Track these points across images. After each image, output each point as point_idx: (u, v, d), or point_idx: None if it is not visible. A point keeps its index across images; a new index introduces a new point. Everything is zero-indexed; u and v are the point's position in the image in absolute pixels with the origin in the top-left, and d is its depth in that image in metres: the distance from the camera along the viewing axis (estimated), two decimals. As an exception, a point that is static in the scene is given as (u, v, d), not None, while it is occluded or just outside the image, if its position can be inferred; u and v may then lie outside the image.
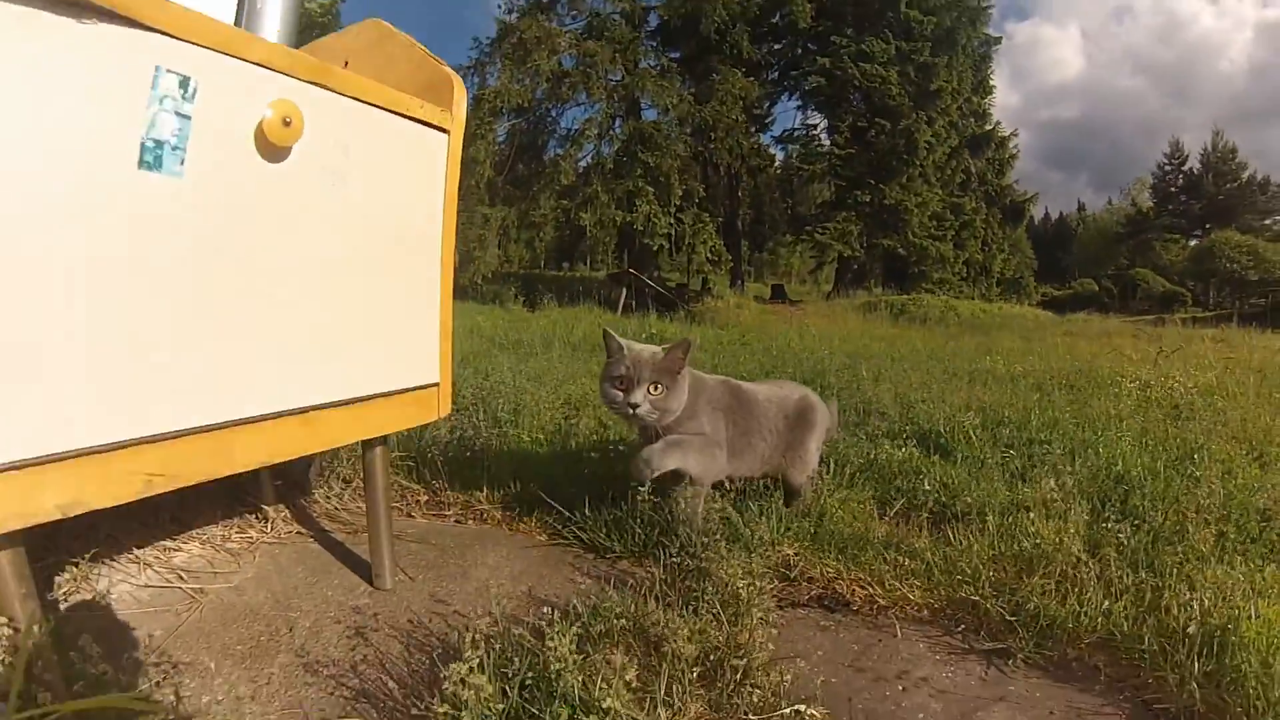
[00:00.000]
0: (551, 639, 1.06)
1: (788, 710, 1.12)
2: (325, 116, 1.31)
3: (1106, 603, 1.44)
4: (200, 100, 1.10)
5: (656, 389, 1.80)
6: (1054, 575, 1.55)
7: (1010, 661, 1.37)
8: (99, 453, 1.03)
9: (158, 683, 1.14)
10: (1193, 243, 38.17)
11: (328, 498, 2.17)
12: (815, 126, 24.74)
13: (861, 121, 22.38)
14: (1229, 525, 1.84)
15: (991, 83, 26.25)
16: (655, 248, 20.57)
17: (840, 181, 22.79)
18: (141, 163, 1.04)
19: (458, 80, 1.65)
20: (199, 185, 1.12)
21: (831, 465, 2.35)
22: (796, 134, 24.94)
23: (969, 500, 2.06)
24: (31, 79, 0.92)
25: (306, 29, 1.92)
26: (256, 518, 1.99)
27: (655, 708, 1.06)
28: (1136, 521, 1.86)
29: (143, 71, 1.03)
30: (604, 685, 1.01)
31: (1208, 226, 37.78)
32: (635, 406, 1.77)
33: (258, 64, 1.18)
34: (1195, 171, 40.69)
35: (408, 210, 1.59)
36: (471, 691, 0.94)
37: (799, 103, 24.87)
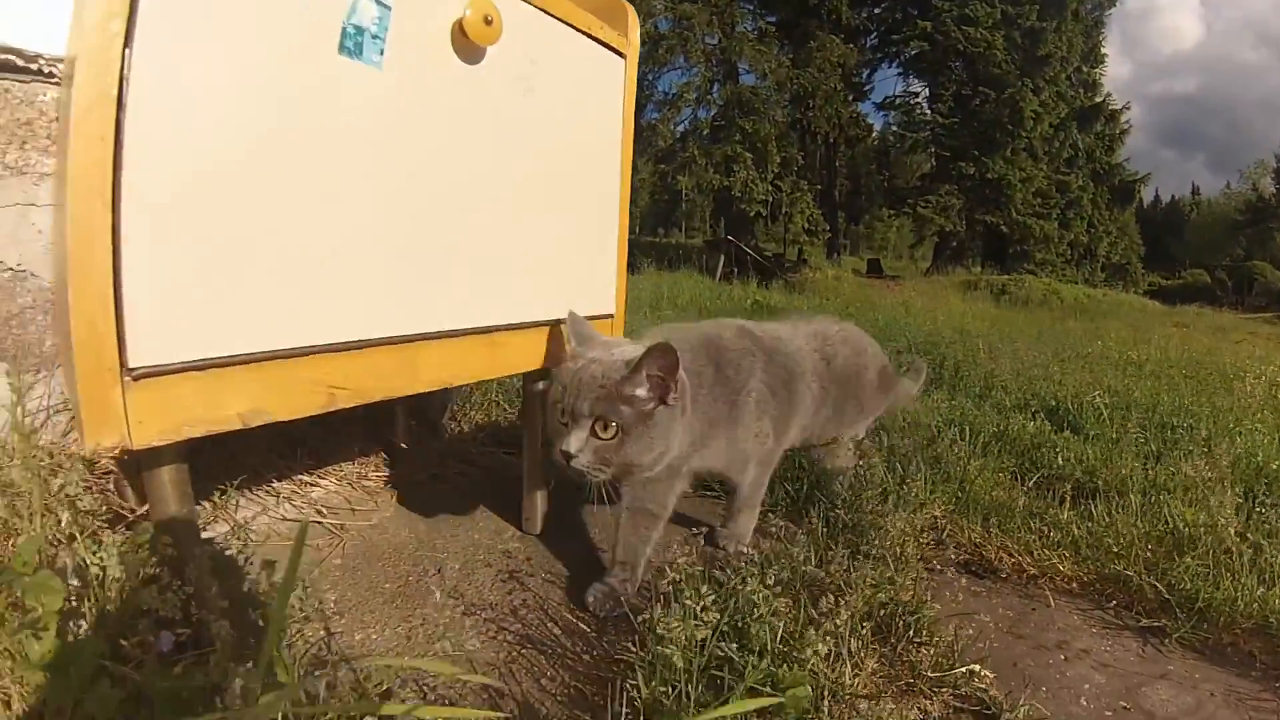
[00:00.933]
0: (750, 586, 1.09)
1: (962, 670, 1.14)
2: (514, 23, 1.25)
3: (1261, 589, 1.41)
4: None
5: (606, 430, 1.19)
6: (1206, 558, 1.51)
7: (1165, 641, 1.36)
8: (283, 358, 0.99)
9: (307, 617, 1.06)
10: (1319, 236, 35.76)
11: (461, 440, 2.20)
12: (916, 94, 23.87)
13: (965, 89, 21.51)
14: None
15: (1103, 51, 24.64)
16: (752, 214, 20.37)
17: (942, 152, 22.01)
18: (342, 48, 1.00)
19: (629, 5, 1.61)
20: (397, 80, 1.09)
21: (967, 432, 2.33)
22: (897, 101, 24.15)
23: (1107, 477, 2.02)
24: None
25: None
26: (391, 457, 1.96)
27: (835, 662, 1.08)
28: None
29: None
30: (805, 635, 1.04)
31: (1337, 219, 35.29)
32: (569, 457, 1.19)
33: None
34: (1326, 156, 37.81)
35: (591, 133, 1.55)
36: (675, 640, 0.97)
37: (899, 69, 24.03)
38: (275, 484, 1.68)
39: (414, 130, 1.13)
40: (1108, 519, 1.71)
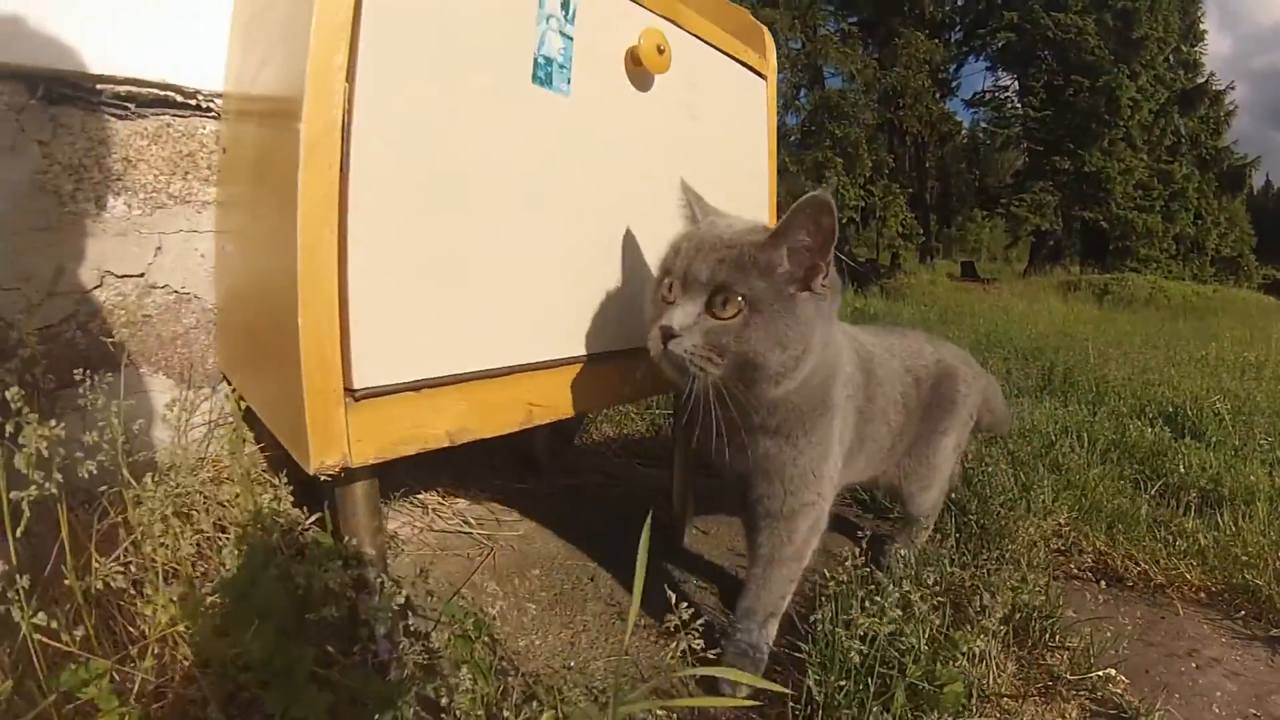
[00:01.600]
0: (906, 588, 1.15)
1: (1098, 674, 1.20)
2: (678, 51, 1.32)
3: None
4: (579, 22, 1.13)
5: (727, 306, 0.94)
6: None
7: None
8: (488, 378, 1.03)
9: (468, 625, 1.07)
10: None
11: (596, 452, 2.27)
12: (1006, 89, 23.07)
13: (1057, 79, 20.59)
14: None
15: (1202, 27, 23.05)
16: (844, 220, 20.17)
17: (1035, 147, 21.22)
18: (535, 77, 1.07)
19: (765, 29, 1.68)
20: (584, 105, 1.16)
21: (1085, 439, 2.34)
22: (987, 97, 23.46)
23: (1232, 485, 2.01)
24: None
25: None
26: (531, 470, 1.97)
27: (978, 663, 1.15)
28: None
29: None
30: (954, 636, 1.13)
31: None
32: (669, 335, 0.95)
33: None
34: None
35: (745, 152, 1.63)
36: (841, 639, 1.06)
37: (987, 63, 23.33)
38: (421, 495, 1.70)
39: (598, 154, 1.21)
40: (1234, 528, 1.72)
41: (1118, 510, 1.84)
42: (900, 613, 1.08)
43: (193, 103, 1.40)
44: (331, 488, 0.95)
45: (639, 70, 1.24)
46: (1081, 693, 1.20)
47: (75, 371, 1.04)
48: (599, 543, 1.62)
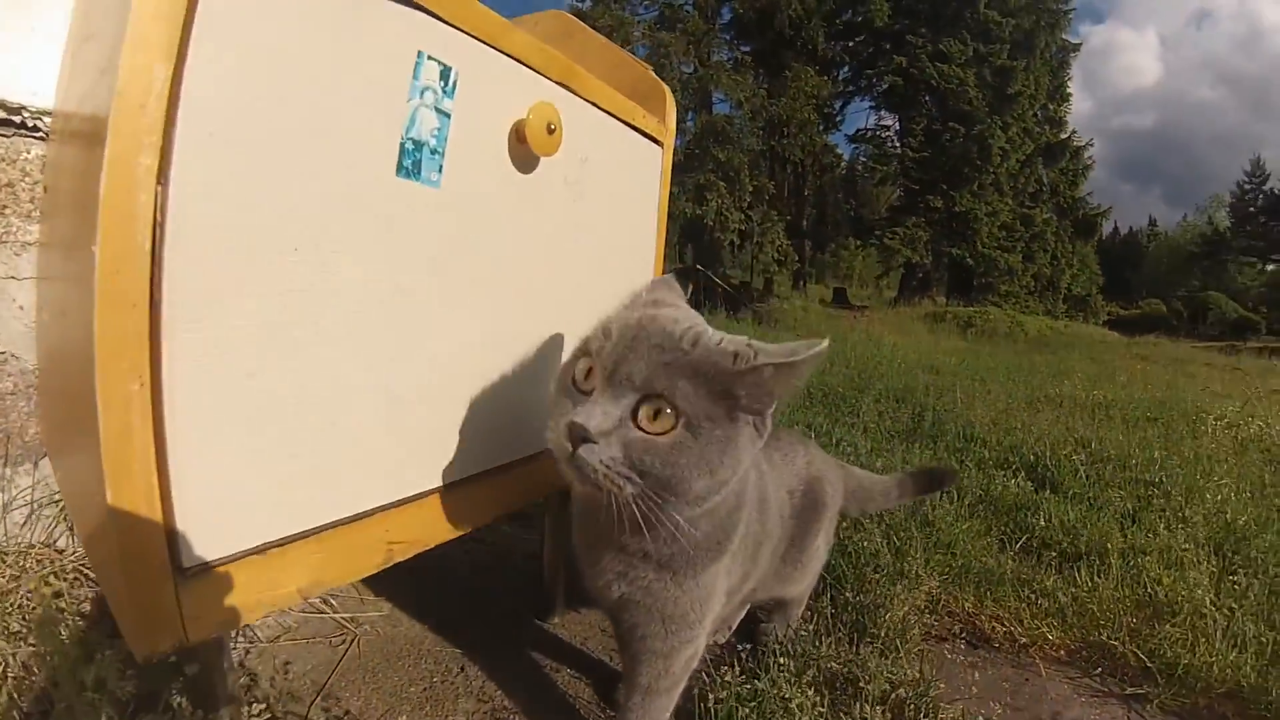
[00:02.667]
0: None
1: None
2: (568, 122, 1.16)
3: (1233, 654, 1.52)
4: (459, 96, 0.97)
5: (657, 418, 0.79)
6: (1183, 625, 1.63)
7: (1148, 707, 1.45)
8: (345, 524, 0.92)
9: None
10: (1270, 268, 37.09)
11: None
12: (887, 128, 24.83)
13: (935, 124, 22.34)
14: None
15: (1068, 89, 25.85)
16: (726, 242, 20.67)
17: (911, 185, 22.75)
18: (400, 168, 0.91)
19: (668, 90, 1.58)
20: (455, 200, 1.00)
21: (955, 495, 2.43)
22: (869, 134, 24.94)
23: (1088, 540, 2.12)
24: (290, 53, 0.77)
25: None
26: None
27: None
28: (1254, 573, 1.92)
29: (405, 56, 0.89)
30: None
31: (1288, 252, 36.80)
32: (581, 437, 0.79)
33: (516, 58, 1.07)
34: (1277, 192, 39.21)
35: (631, 226, 1.52)
36: None
37: (872, 103, 24.85)
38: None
39: (466, 254, 1.06)
40: (1091, 585, 1.82)
41: (984, 570, 1.91)
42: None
43: (16, 120, 1.22)
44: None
45: (523, 149, 1.09)
46: (954, 766, 1.23)
47: None
48: (466, 623, 1.54)
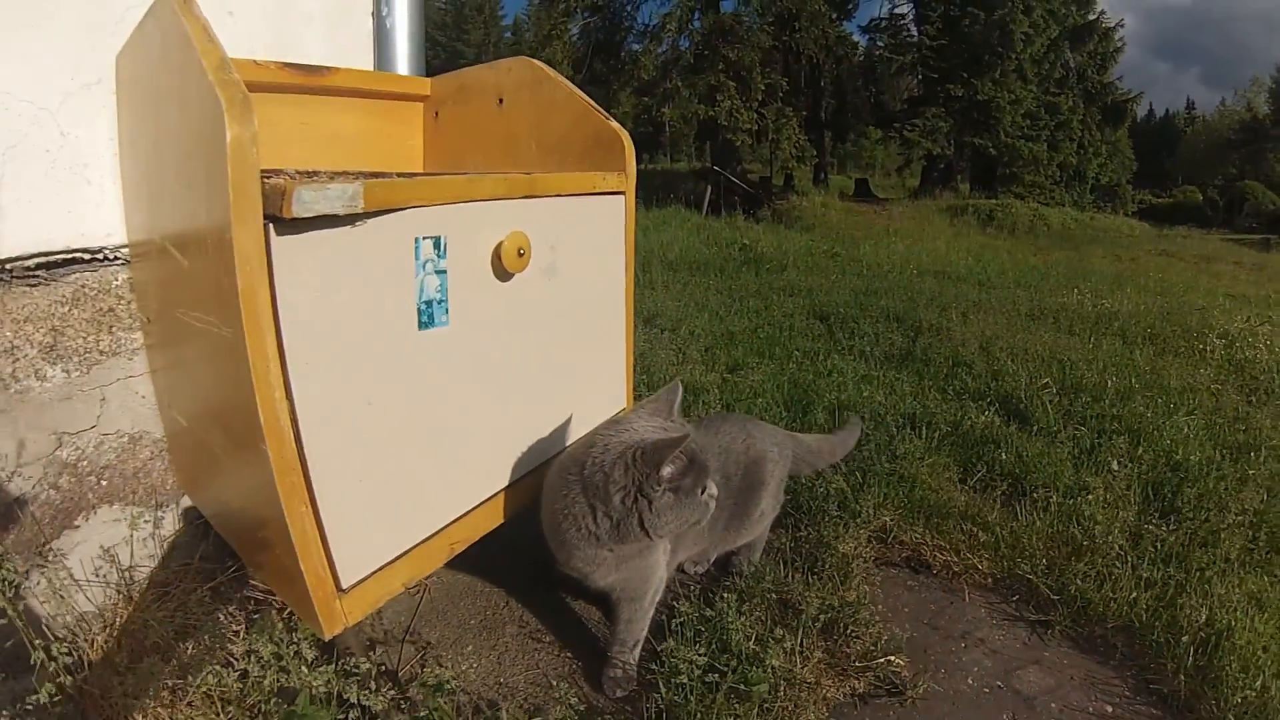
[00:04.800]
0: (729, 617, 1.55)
1: (882, 660, 1.55)
2: (537, 224, 1.44)
3: (1134, 593, 1.77)
4: (450, 252, 1.27)
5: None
6: (1096, 563, 1.88)
7: (1049, 631, 1.73)
8: (428, 539, 1.34)
9: (422, 658, 1.55)
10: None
11: None
12: (903, 16, 23.41)
13: (953, 9, 21.11)
14: (1261, 534, 2.08)
15: None
16: (738, 143, 20.19)
17: (930, 74, 21.80)
18: (420, 325, 1.24)
19: (626, 136, 1.71)
20: (459, 324, 1.31)
21: (924, 430, 2.68)
22: (883, 23, 23.64)
23: (1037, 477, 2.36)
24: (342, 278, 1.10)
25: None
26: None
27: (791, 655, 1.51)
28: (1178, 520, 2.13)
29: (406, 246, 1.19)
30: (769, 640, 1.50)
31: (1332, 141, 34.88)
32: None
33: (486, 199, 1.33)
34: (1321, 75, 36.98)
35: (601, 274, 1.74)
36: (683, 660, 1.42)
37: None
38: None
39: (473, 353, 1.38)
40: (1028, 520, 2.08)
41: (937, 504, 2.17)
42: (706, 651, 1.48)
43: (100, 257, 1.52)
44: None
45: (501, 265, 1.38)
46: (870, 673, 1.54)
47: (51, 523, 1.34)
48: (507, 569, 1.88)
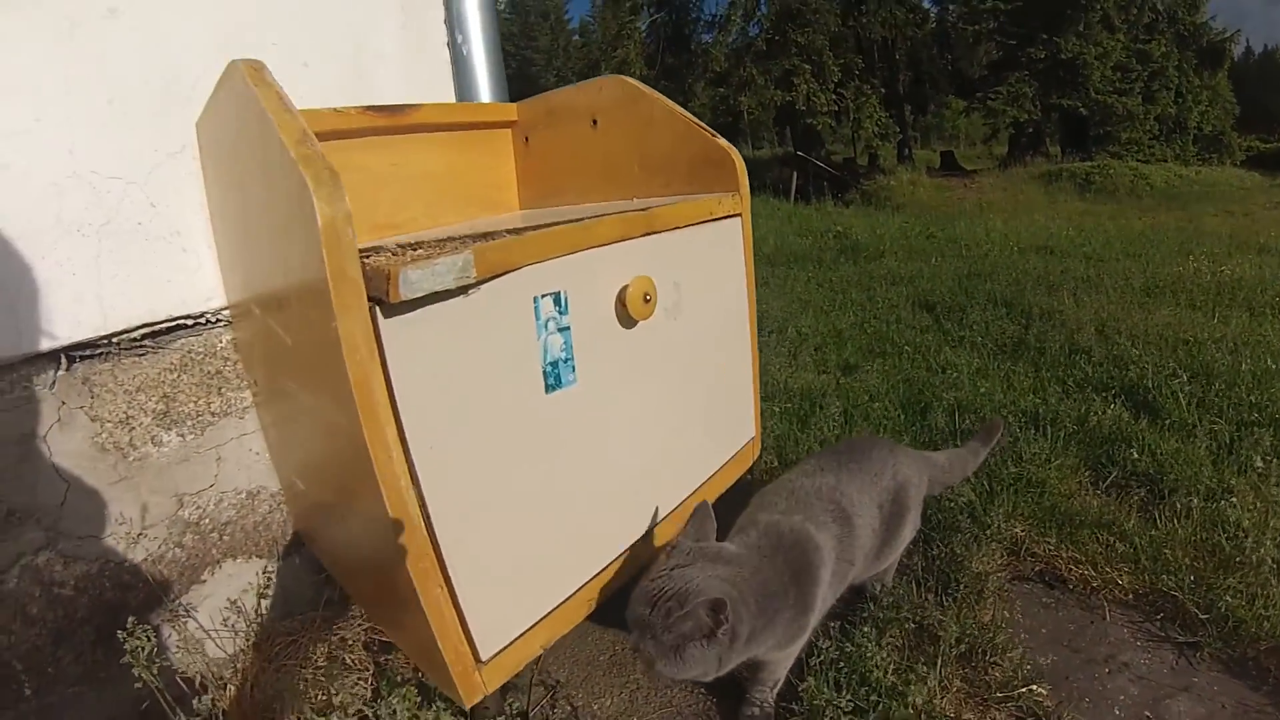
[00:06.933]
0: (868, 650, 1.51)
1: (1024, 689, 1.49)
2: (658, 262, 1.42)
3: None
4: (572, 307, 1.23)
5: None
6: (1247, 577, 1.75)
7: (1198, 654, 1.62)
8: (567, 601, 1.33)
9: (552, 698, 1.55)
10: None
11: None
12: None
13: None
14: None
15: None
16: (819, 126, 19.75)
17: (1008, 40, 20.77)
18: (548, 388, 1.21)
19: (736, 154, 1.65)
20: (586, 380, 1.29)
21: (1048, 429, 2.57)
22: None
23: (1175, 478, 2.21)
24: (460, 352, 1.06)
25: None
26: None
27: (927, 684, 1.45)
28: None
29: (525, 307, 1.15)
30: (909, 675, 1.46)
31: None
32: None
33: (604, 243, 1.29)
34: None
35: (724, 303, 1.71)
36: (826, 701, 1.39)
37: None
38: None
39: (603, 406, 1.36)
40: (1169, 527, 1.96)
41: (1069, 511, 2.08)
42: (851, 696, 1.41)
43: (203, 321, 1.57)
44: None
45: (625, 311, 1.34)
46: (1010, 703, 1.49)
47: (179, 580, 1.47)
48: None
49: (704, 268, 1.61)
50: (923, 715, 1.40)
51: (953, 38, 23.07)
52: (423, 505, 1.03)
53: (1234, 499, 2.06)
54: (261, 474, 1.67)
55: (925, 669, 1.48)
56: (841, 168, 17.27)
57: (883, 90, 21.98)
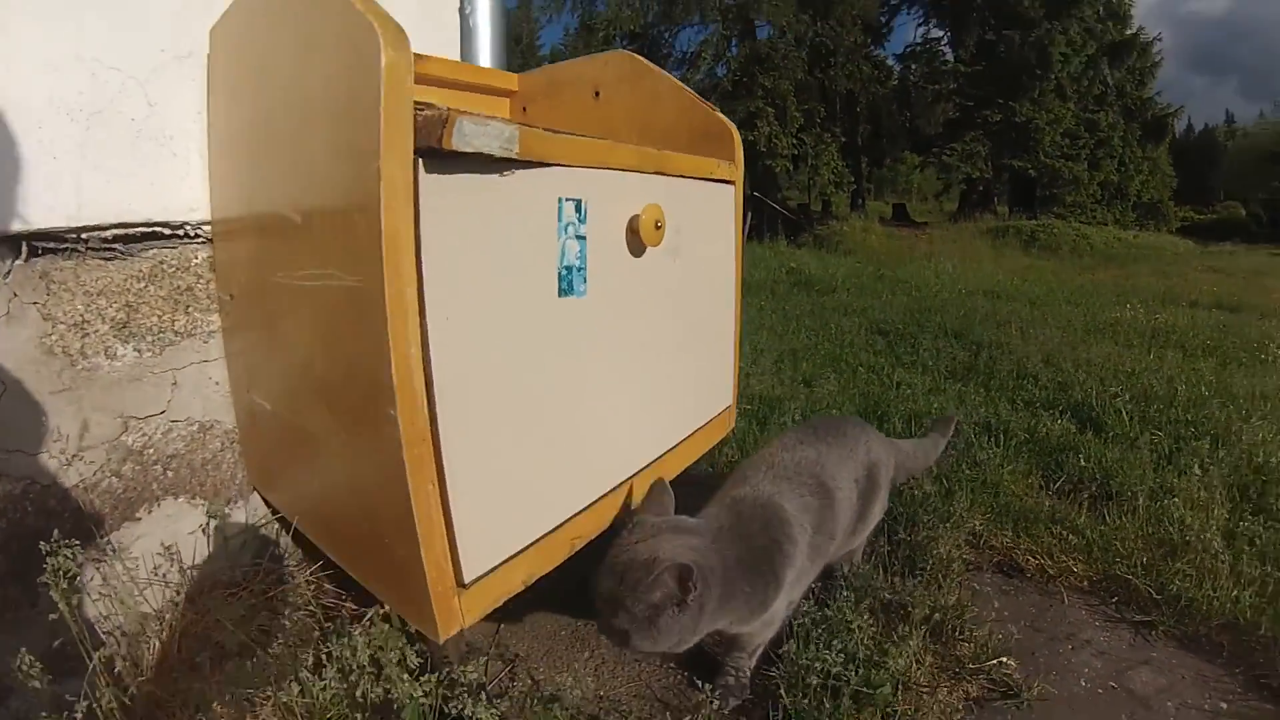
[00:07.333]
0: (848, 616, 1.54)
1: (994, 661, 1.54)
2: (665, 201, 1.42)
3: (1235, 591, 1.75)
4: (590, 218, 1.23)
5: None
6: (1194, 563, 1.85)
7: (1153, 632, 1.70)
8: (554, 532, 1.26)
9: (511, 671, 1.48)
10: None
11: None
12: (938, 39, 23.54)
13: (989, 33, 21.19)
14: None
15: None
16: (778, 169, 20.39)
17: (966, 101, 21.75)
18: (560, 291, 1.19)
19: (734, 128, 1.76)
20: (595, 295, 1.27)
21: (1001, 438, 2.68)
22: (918, 50, 23.80)
23: (1121, 481, 2.34)
24: (488, 229, 1.04)
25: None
26: None
27: (903, 658, 1.48)
28: (1270, 518, 2.10)
29: (550, 205, 1.15)
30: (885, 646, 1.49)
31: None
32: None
33: (623, 169, 1.31)
34: (1367, 84, 36.09)
35: (715, 263, 1.75)
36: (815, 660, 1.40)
37: (920, 16, 23.62)
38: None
39: (604, 330, 1.34)
40: (1118, 522, 2.07)
41: (1024, 509, 2.17)
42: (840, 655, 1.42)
43: (181, 234, 1.47)
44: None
45: (636, 239, 1.36)
46: (981, 676, 1.53)
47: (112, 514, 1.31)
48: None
49: (701, 222, 1.65)
50: (899, 683, 1.44)
51: (913, 96, 23.92)
52: (429, 383, 0.98)
53: (1176, 498, 2.19)
54: (218, 407, 1.53)
55: (900, 639, 1.53)
56: (796, 212, 17.73)
57: (843, 139, 22.66)
